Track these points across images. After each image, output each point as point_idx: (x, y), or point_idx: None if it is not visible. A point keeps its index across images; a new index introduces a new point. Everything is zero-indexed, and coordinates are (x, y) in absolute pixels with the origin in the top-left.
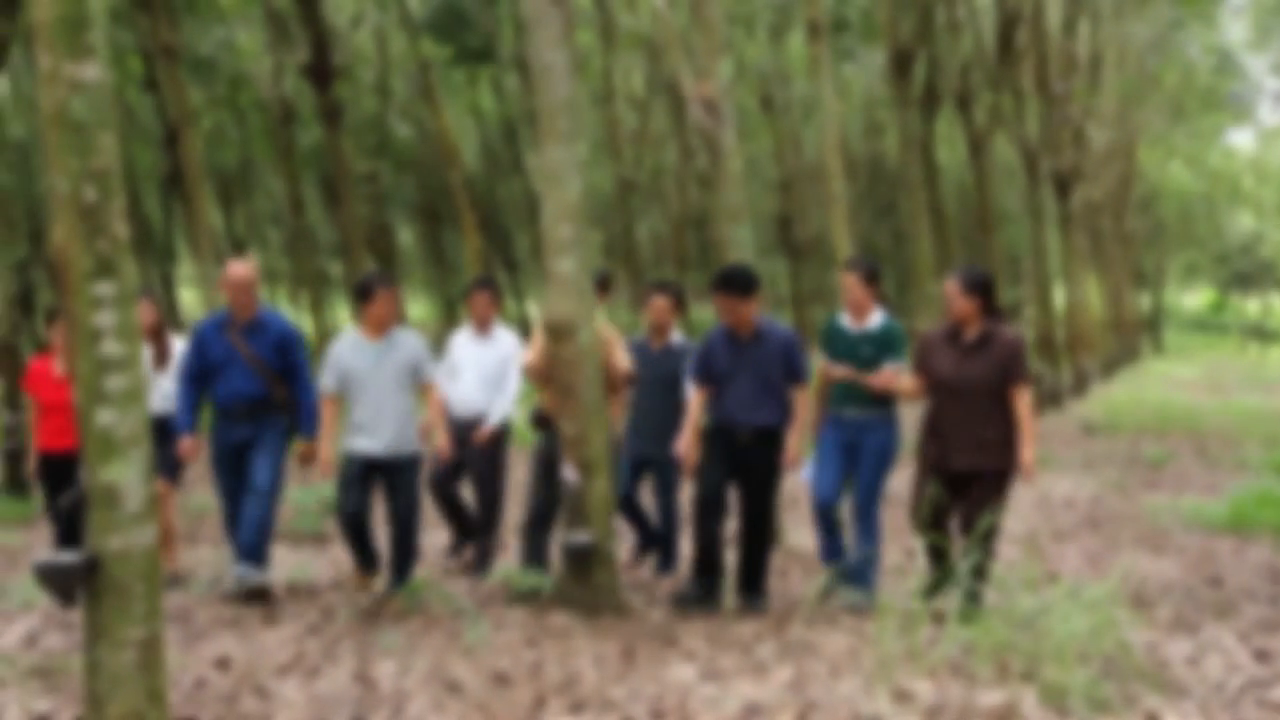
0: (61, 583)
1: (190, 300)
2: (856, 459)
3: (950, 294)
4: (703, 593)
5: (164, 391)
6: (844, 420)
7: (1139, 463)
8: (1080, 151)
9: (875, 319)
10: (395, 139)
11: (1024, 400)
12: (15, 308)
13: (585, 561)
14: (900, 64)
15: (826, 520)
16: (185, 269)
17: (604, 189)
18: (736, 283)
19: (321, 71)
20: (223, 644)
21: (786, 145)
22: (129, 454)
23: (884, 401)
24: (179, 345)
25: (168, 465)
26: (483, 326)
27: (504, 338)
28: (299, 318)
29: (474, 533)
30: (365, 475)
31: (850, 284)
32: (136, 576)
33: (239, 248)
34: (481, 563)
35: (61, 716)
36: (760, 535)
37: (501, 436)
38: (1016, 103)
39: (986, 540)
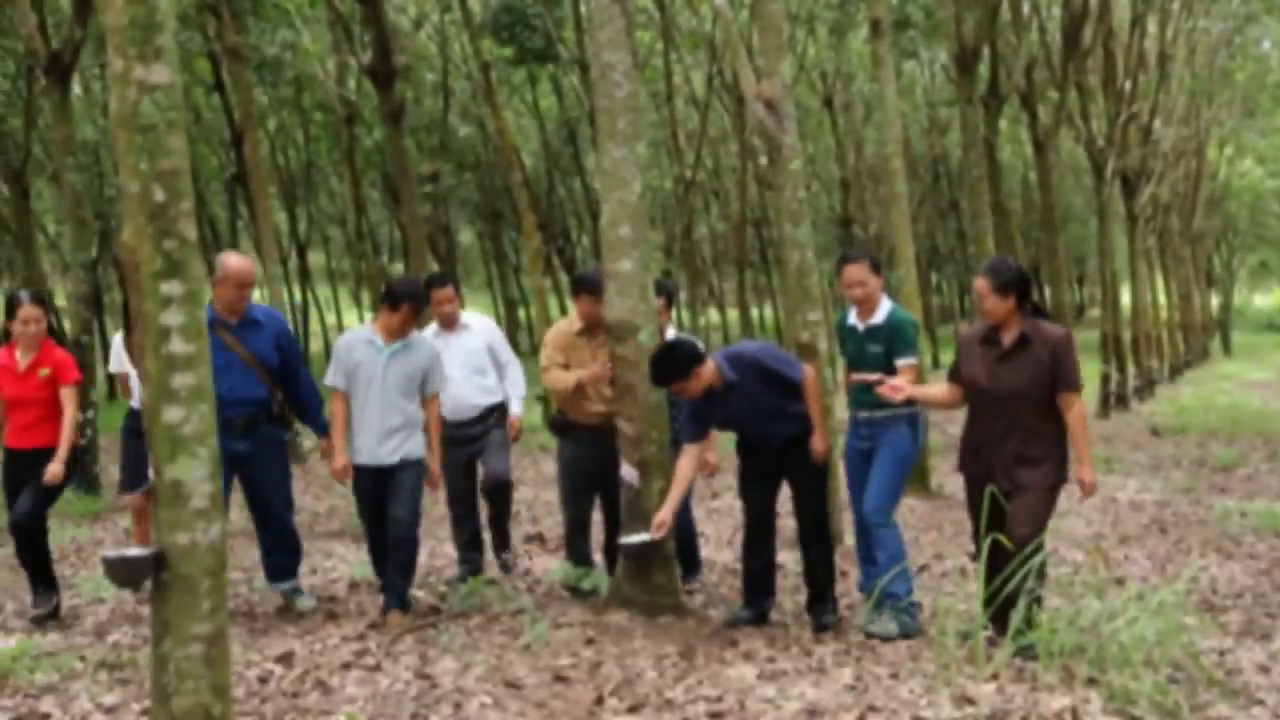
0: (129, 576)
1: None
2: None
3: (980, 293)
4: (756, 616)
5: None
6: (860, 423)
7: (1208, 466)
8: (1148, 149)
9: (881, 313)
10: (456, 139)
11: (1075, 409)
12: (86, 306)
13: (644, 561)
14: (964, 62)
15: (861, 533)
16: None
17: (664, 189)
18: (670, 371)
19: (384, 72)
20: (286, 640)
21: (848, 144)
22: (195, 451)
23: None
24: None
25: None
26: (449, 325)
27: (476, 325)
28: (362, 317)
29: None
30: (377, 488)
31: (853, 275)
32: (202, 572)
33: (302, 248)
34: (502, 549)
35: (130, 709)
36: (818, 542)
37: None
38: (1082, 100)
39: (1033, 560)
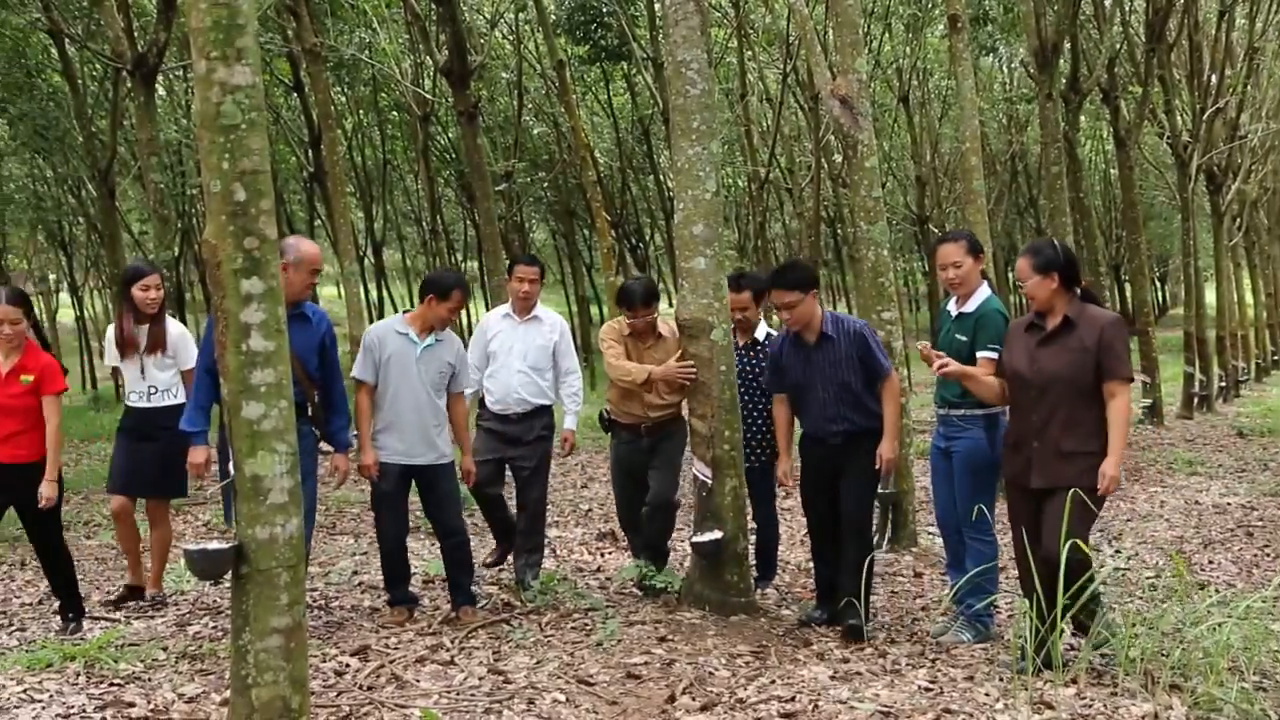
0: (210, 569)
1: (330, 297)
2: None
3: (1021, 274)
4: (829, 617)
5: (163, 382)
6: (940, 421)
7: None
8: (1234, 144)
9: (975, 300)
10: (530, 138)
11: (1120, 400)
12: (169, 304)
13: (716, 559)
14: (1043, 57)
15: (946, 538)
16: (326, 268)
17: (737, 187)
18: (787, 278)
19: (459, 72)
20: (361, 634)
21: (924, 141)
22: (274, 446)
23: (975, 399)
24: (174, 330)
25: (167, 475)
26: (523, 308)
27: (548, 320)
28: None
29: (511, 535)
30: (402, 487)
31: (947, 254)
32: (281, 565)
33: (377, 246)
34: (530, 566)
35: (210, 699)
36: (854, 538)
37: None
38: (1166, 94)
39: (1078, 574)
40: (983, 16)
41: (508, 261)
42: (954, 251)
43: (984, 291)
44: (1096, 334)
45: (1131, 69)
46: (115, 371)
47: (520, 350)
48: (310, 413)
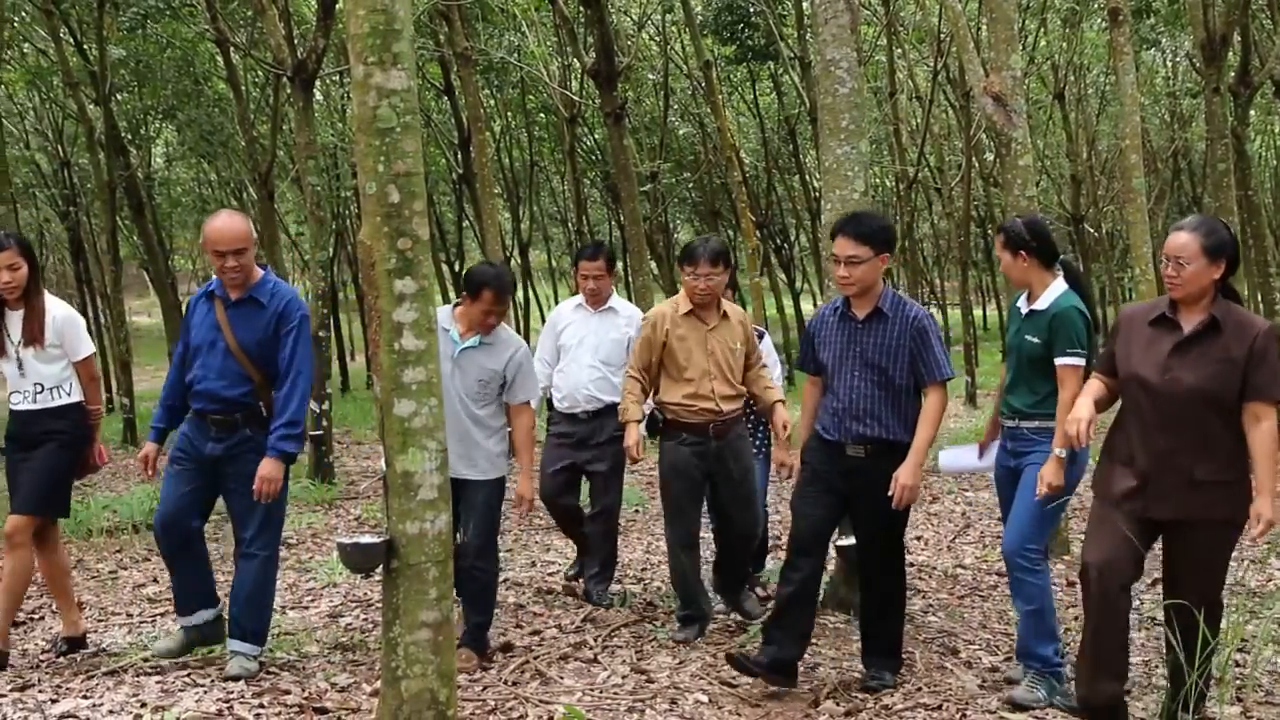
0: (362, 562)
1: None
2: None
3: (1178, 250)
4: (765, 661)
5: (50, 377)
6: (1006, 435)
7: None
8: None
9: (1048, 297)
10: (676, 138)
11: (1267, 424)
12: (323, 303)
13: None
14: (1211, 49)
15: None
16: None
17: (885, 186)
18: (860, 226)
19: (606, 73)
20: (505, 630)
21: (1080, 139)
22: (424, 444)
23: (1050, 410)
24: (59, 315)
25: (50, 490)
26: (594, 300)
27: (625, 313)
28: None
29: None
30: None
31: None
32: (430, 560)
33: (524, 247)
34: (599, 582)
35: (361, 689)
36: (885, 574)
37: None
38: None
39: (1209, 625)
40: (1145, 8)
41: (652, 262)
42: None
43: (1059, 285)
44: (1247, 343)
45: None
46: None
47: (592, 344)
48: (267, 416)
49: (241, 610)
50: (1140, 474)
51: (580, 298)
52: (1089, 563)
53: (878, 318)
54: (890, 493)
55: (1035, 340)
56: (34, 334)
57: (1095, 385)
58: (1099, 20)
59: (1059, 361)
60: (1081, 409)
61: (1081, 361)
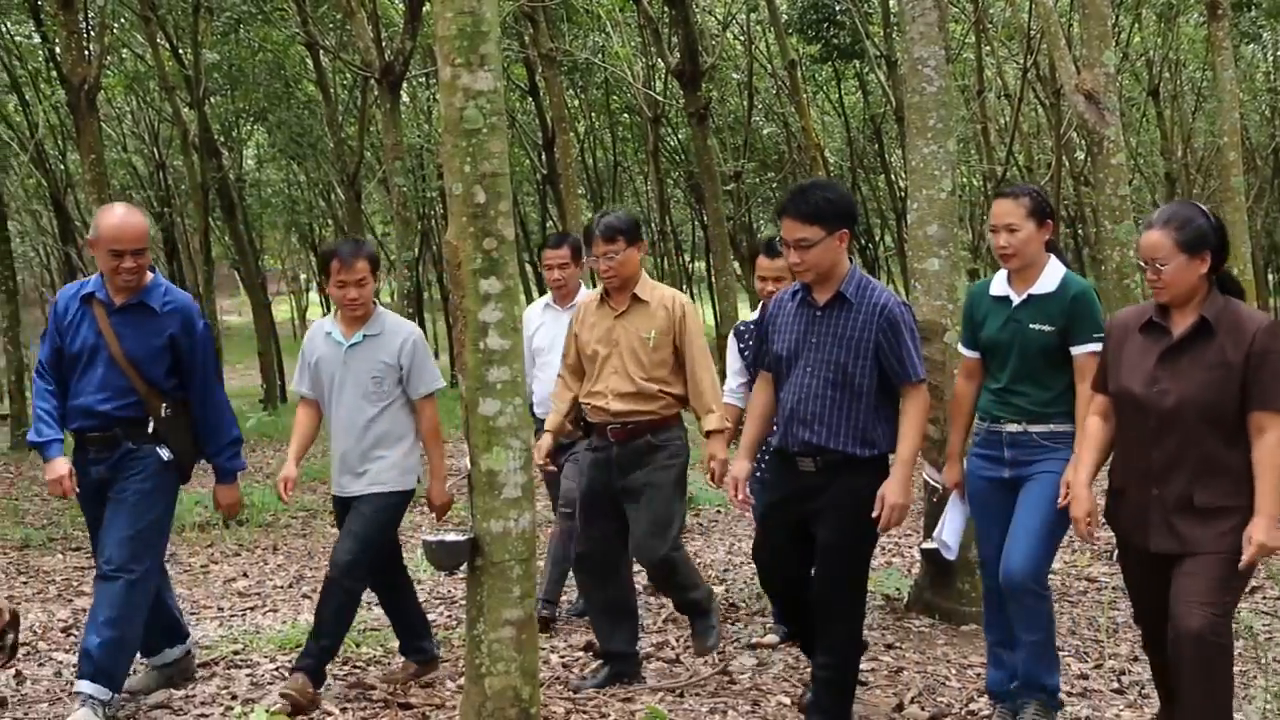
0: (447, 560)
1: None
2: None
3: (1150, 251)
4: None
5: None
6: (1003, 442)
7: None
8: None
9: (1050, 279)
10: (760, 138)
11: (1271, 437)
12: (409, 302)
13: (946, 567)
14: None
15: (997, 604)
16: None
17: (972, 186)
18: (806, 201)
19: (690, 73)
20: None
21: (1175, 136)
22: (509, 443)
23: (1065, 409)
24: None
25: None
26: (561, 296)
27: None
28: None
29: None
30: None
31: (1002, 213)
32: (514, 559)
33: None
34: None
35: (445, 686)
36: (836, 621)
37: None
38: None
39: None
40: (1246, 2)
41: (735, 262)
42: (1011, 210)
43: (1057, 266)
44: (1245, 344)
45: None
46: None
47: (563, 342)
48: (154, 429)
49: (95, 644)
50: (1137, 503)
51: (549, 297)
52: (1143, 630)
53: (839, 304)
54: (874, 515)
55: (1046, 328)
56: None
57: (1094, 427)
58: (1196, 14)
59: (1083, 350)
60: (1081, 489)
61: (1101, 348)
